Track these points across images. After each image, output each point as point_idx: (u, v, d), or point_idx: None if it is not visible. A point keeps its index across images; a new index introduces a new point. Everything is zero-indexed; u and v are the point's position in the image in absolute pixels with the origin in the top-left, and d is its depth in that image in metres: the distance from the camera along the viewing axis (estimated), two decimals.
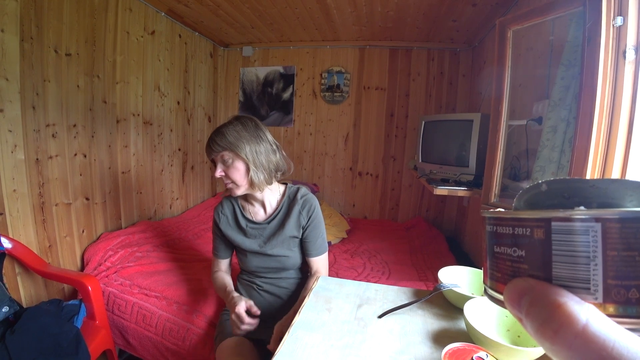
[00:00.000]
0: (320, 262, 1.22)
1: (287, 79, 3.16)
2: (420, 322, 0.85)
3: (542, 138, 1.29)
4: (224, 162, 1.10)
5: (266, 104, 3.22)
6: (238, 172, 1.11)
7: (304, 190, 1.24)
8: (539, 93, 1.58)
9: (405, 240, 2.55)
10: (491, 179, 1.42)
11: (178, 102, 2.71)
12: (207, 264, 1.90)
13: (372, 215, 3.17)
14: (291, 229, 1.20)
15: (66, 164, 1.79)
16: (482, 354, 0.64)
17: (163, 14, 2.41)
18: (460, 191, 1.72)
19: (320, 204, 2.79)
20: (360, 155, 3.13)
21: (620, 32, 1.09)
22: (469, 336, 0.75)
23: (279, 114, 3.19)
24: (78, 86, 1.82)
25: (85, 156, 1.90)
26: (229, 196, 1.24)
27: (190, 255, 2.04)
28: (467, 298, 0.85)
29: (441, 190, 1.73)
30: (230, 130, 1.10)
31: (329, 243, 2.34)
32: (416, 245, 2.42)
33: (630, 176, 1.09)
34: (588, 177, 1.10)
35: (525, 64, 1.71)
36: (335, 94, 3.07)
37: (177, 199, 2.80)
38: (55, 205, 1.74)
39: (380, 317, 0.85)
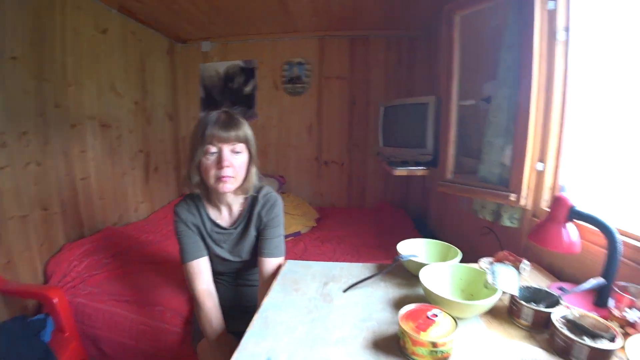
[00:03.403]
0: (271, 265, 1.15)
1: (248, 72, 3.14)
2: (383, 292, 0.91)
3: (489, 116, 1.38)
4: (234, 153, 1.05)
5: (228, 99, 3.18)
6: (244, 167, 1.08)
7: (266, 189, 1.21)
8: (489, 74, 1.66)
9: (373, 224, 2.63)
10: (446, 157, 1.50)
11: (136, 102, 2.62)
12: (179, 263, 1.88)
13: (340, 202, 3.23)
14: (254, 230, 1.19)
15: (18, 174, 1.70)
16: (435, 311, 0.70)
17: (114, 11, 2.31)
18: (419, 171, 1.81)
19: (288, 196, 2.84)
20: (324, 144, 3.17)
21: (552, 15, 1.19)
22: (427, 299, 0.82)
23: (242, 108, 3.16)
24: (26, 91, 1.73)
25: (39, 165, 1.81)
26: (191, 196, 1.17)
27: (160, 256, 2.01)
28: (424, 266, 0.91)
29: (400, 171, 1.81)
30: (245, 123, 1.09)
31: (299, 233, 2.38)
32: (383, 228, 2.51)
33: (566, 145, 1.20)
34: (529, 150, 1.20)
35: (477, 47, 1.79)
36: (297, 85, 3.09)
37: (142, 202, 2.73)
38: (10, 218, 1.65)
39: (345, 291, 0.90)
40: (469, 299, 0.86)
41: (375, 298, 0.88)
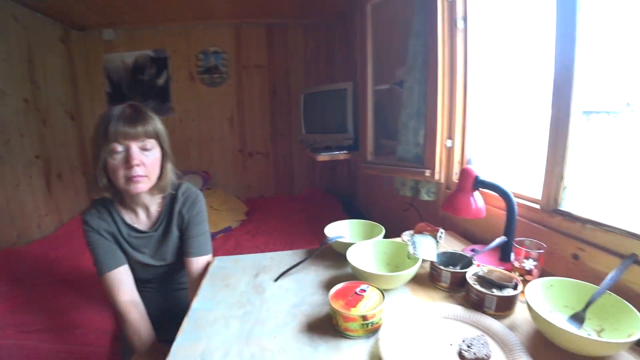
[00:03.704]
0: (199, 264, 1.10)
1: (160, 63, 2.90)
2: (313, 276, 0.93)
3: (403, 99, 1.47)
4: (144, 150, 0.96)
5: (139, 93, 2.92)
6: (157, 165, 1.00)
7: (185, 186, 1.15)
8: (402, 60, 1.75)
9: (303, 211, 2.68)
10: (365, 140, 1.57)
11: (26, 101, 2.27)
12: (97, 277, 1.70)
13: (269, 193, 3.23)
14: (176, 230, 1.12)
15: None
16: (363, 286, 0.73)
17: None
18: (341, 155, 1.88)
19: (214, 191, 2.74)
20: (248, 135, 3.11)
21: (452, 6, 1.29)
22: (356, 276, 0.85)
23: (156, 102, 2.93)
24: None
25: None
26: (100, 201, 1.07)
27: (75, 273, 1.79)
28: (351, 245, 0.95)
29: (323, 157, 1.87)
30: (155, 117, 1.00)
31: (229, 228, 2.31)
32: (313, 213, 2.56)
33: (470, 122, 1.32)
34: (439, 128, 1.30)
35: (391, 35, 1.88)
36: (215, 75, 2.96)
37: (45, 215, 2.40)
38: None
39: (276, 280, 0.90)
40: (394, 271, 0.91)
41: (306, 283, 0.90)
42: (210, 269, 1.00)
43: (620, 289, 0.70)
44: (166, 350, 1.01)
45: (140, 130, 0.94)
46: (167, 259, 1.14)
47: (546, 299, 0.73)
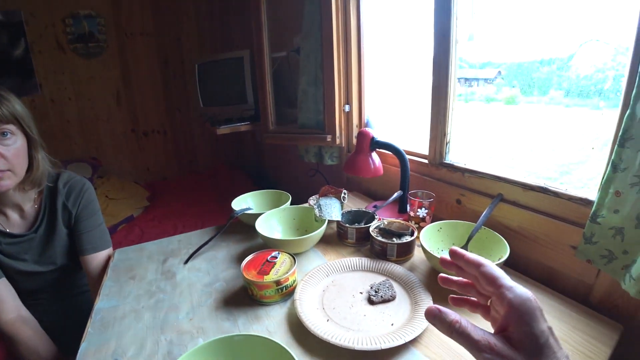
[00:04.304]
0: (99, 261, 0.99)
1: (13, 29, 2.32)
2: (225, 251, 0.92)
3: (301, 66, 1.46)
4: (1, 139, 0.80)
5: None
6: (21, 155, 0.84)
7: (67, 176, 1.00)
8: (299, 27, 1.72)
9: (211, 189, 2.58)
10: (266, 109, 1.54)
11: None
12: None
13: (172, 174, 3.01)
14: (64, 227, 0.98)
15: None
16: (274, 253, 0.75)
17: None
18: (243, 126, 1.83)
19: (108, 179, 2.46)
20: (139, 113, 2.79)
21: None
22: (267, 245, 0.86)
23: (15, 79, 2.37)
24: None
25: None
26: None
27: None
28: (259, 215, 0.95)
29: (223, 130, 1.79)
30: (10, 96, 0.82)
31: (131, 217, 2.10)
32: (222, 190, 2.48)
33: (367, 87, 1.39)
34: (337, 94, 1.34)
35: (287, 1, 1.81)
36: (90, 44, 2.50)
37: None
38: None
39: (186, 262, 0.87)
40: (303, 234, 0.94)
41: (218, 260, 0.88)
42: (112, 263, 0.91)
43: (492, 224, 0.85)
44: None
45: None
46: (57, 262, 0.99)
47: (437, 240, 0.85)
